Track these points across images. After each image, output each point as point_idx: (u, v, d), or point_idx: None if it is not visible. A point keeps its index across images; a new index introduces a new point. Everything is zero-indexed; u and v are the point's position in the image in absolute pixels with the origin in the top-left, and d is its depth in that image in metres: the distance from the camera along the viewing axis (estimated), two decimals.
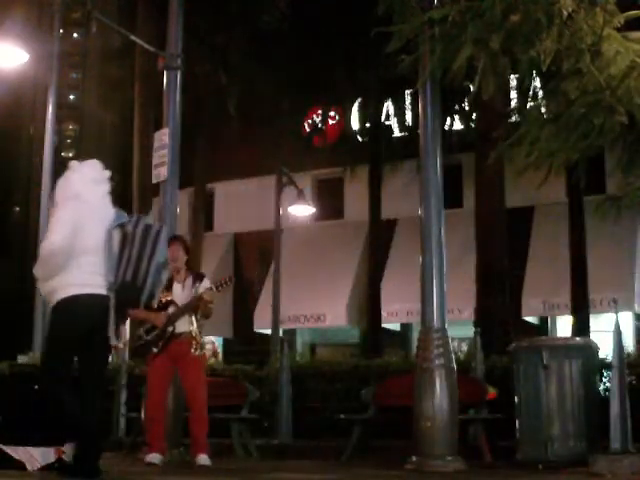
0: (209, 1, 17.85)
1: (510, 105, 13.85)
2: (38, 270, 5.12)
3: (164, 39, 9.57)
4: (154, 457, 7.38)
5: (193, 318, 7.56)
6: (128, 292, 5.00)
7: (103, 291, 5.02)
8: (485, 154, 12.39)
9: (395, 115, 21.18)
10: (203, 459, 7.37)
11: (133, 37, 11.75)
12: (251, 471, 7.44)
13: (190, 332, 7.52)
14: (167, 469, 7.26)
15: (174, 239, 8.01)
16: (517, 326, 15.75)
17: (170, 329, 7.54)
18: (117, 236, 5.09)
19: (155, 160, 9.27)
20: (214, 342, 20.92)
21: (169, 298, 7.60)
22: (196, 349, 7.52)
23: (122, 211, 5.29)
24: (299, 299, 20.50)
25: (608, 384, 8.26)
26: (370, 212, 20.53)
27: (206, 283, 7.64)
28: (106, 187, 5.33)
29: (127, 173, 21.23)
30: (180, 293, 7.61)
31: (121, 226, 5.10)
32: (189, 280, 7.63)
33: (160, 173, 9.14)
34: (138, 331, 7.82)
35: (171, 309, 7.57)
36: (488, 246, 14.33)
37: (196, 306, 7.53)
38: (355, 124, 22.13)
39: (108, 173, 5.39)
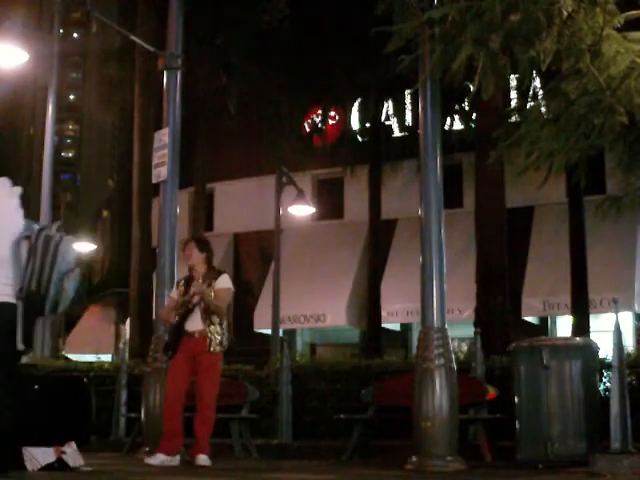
0: (209, 1, 17.86)
1: (510, 105, 13.87)
2: None
3: (164, 39, 9.57)
4: (156, 458, 7.37)
5: (208, 317, 7.58)
6: (33, 301, 5.19)
7: (12, 300, 5.21)
8: (485, 154, 12.39)
9: (395, 115, 21.19)
10: (203, 459, 7.36)
11: (133, 37, 11.75)
12: (251, 471, 7.44)
13: (203, 330, 7.54)
14: (167, 469, 7.25)
15: (189, 239, 8.14)
16: (517, 326, 15.75)
17: (181, 328, 7.59)
18: (25, 247, 5.30)
19: (155, 160, 9.27)
20: None
21: (185, 298, 7.66)
22: (211, 346, 7.53)
23: (32, 222, 5.49)
24: (299, 299, 20.51)
25: (608, 384, 8.26)
26: (370, 212, 20.54)
27: (224, 279, 7.66)
28: (16, 201, 5.52)
29: (127, 173, 21.27)
30: None
31: (27, 237, 5.30)
32: (207, 279, 7.66)
33: (160, 173, 9.15)
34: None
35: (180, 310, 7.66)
36: (488, 246, 14.34)
37: (204, 303, 7.56)
38: (355, 124, 22.13)
39: (19, 189, 5.57)
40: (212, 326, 7.58)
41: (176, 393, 7.59)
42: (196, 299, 7.58)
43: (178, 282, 8.05)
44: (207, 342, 7.54)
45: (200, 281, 7.57)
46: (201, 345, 7.54)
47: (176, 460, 7.44)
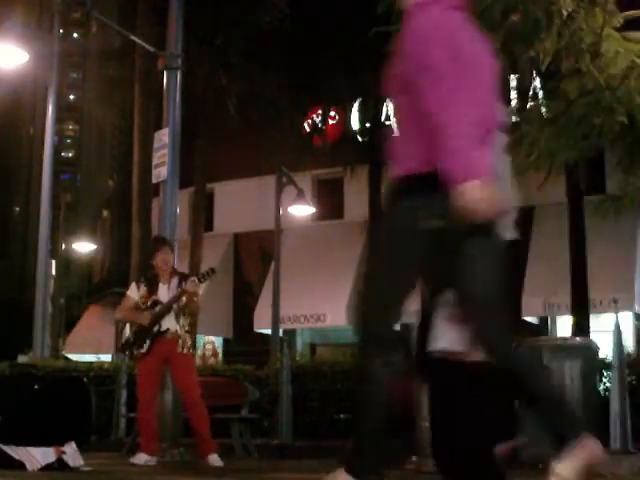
0: (209, 1, 17.86)
1: (510, 105, 13.85)
2: None
3: (164, 39, 9.58)
4: (140, 457, 7.37)
5: (181, 317, 7.52)
6: None
7: None
8: None
9: (395, 115, 21.16)
10: (214, 459, 7.29)
11: (133, 37, 11.75)
12: (251, 471, 7.43)
13: (176, 331, 7.48)
14: (167, 469, 7.26)
15: (164, 243, 7.92)
16: (517, 326, 15.71)
17: (156, 328, 7.51)
18: None
19: (155, 160, 9.27)
20: (213, 342, 20.95)
21: (155, 298, 7.58)
22: (182, 348, 7.48)
23: None
24: (299, 299, 20.49)
25: (608, 384, 8.26)
26: (370, 212, 20.53)
27: (196, 282, 7.60)
28: None
29: (127, 173, 21.28)
30: (166, 294, 7.56)
31: None
32: (174, 281, 7.58)
33: (160, 173, 9.15)
34: (127, 334, 7.81)
35: (157, 309, 7.55)
36: None
37: (183, 303, 7.48)
38: (355, 124, 22.12)
39: None
40: (184, 327, 7.53)
41: (151, 396, 7.57)
42: (184, 298, 7.50)
43: (138, 281, 7.93)
44: (179, 343, 7.49)
45: (196, 280, 7.49)
46: (173, 346, 7.48)
47: (153, 460, 7.44)
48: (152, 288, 7.62)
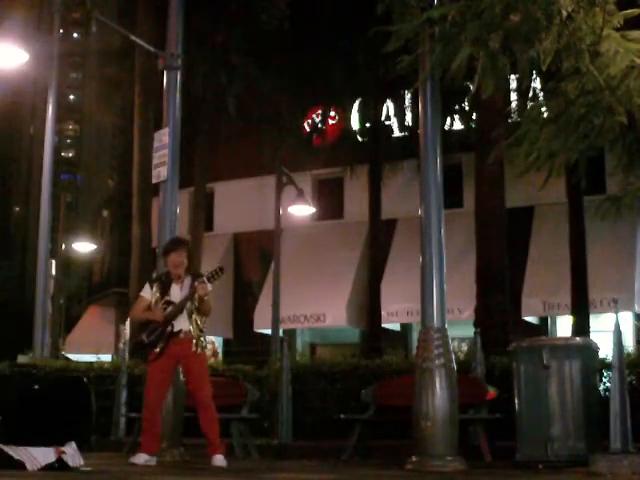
0: (209, 1, 17.86)
1: (510, 105, 13.88)
2: None
3: (164, 39, 9.57)
4: (139, 457, 7.36)
5: (194, 317, 7.53)
6: None
7: None
8: (485, 154, 12.40)
9: (395, 115, 21.19)
10: (218, 460, 7.28)
11: (133, 37, 11.74)
12: (251, 471, 7.43)
13: (190, 331, 7.49)
14: (167, 469, 7.26)
15: (180, 244, 7.86)
16: (517, 326, 15.75)
17: (169, 328, 7.51)
18: None
19: (155, 160, 9.27)
20: (214, 342, 20.95)
21: (167, 299, 7.58)
22: (197, 347, 7.50)
23: None
24: (299, 299, 20.51)
25: (608, 384, 8.26)
26: (370, 212, 20.54)
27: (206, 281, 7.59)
28: None
29: (127, 173, 21.28)
30: (178, 294, 7.57)
31: None
32: (187, 281, 7.58)
33: (160, 173, 9.14)
34: (139, 336, 7.80)
35: (169, 309, 7.55)
36: (488, 246, 14.33)
37: (196, 303, 7.49)
38: (355, 124, 22.13)
39: None
40: (197, 326, 7.54)
41: (159, 394, 7.57)
42: (191, 299, 7.49)
43: (152, 281, 7.92)
44: (192, 343, 7.49)
45: (205, 281, 7.48)
46: (187, 346, 7.48)
47: (154, 460, 7.42)
48: (164, 289, 7.63)
